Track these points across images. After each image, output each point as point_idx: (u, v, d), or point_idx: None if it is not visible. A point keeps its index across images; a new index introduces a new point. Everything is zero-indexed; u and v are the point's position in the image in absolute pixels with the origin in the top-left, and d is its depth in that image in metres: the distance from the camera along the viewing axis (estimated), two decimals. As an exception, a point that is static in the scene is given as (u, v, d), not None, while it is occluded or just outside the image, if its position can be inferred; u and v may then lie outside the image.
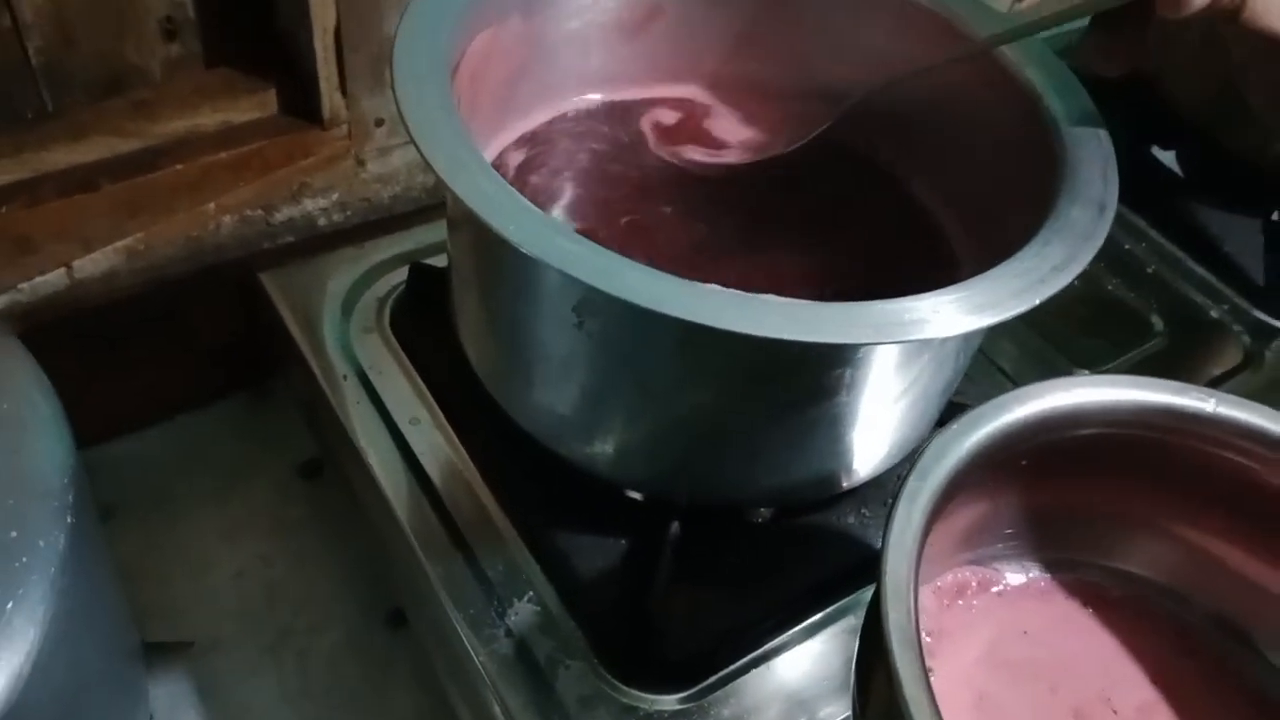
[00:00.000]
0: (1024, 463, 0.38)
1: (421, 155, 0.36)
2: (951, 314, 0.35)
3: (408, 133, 0.36)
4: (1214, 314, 0.61)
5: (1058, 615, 0.42)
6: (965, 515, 0.39)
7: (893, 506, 0.33)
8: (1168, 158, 0.70)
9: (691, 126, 0.53)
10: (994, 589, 0.42)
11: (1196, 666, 0.41)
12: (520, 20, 0.46)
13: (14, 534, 0.32)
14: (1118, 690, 0.40)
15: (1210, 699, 0.40)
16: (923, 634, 0.38)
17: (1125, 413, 0.38)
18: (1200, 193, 0.67)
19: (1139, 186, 0.65)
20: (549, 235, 0.34)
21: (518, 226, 0.34)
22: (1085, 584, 0.43)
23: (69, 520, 0.34)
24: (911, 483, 0.34)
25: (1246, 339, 0.60)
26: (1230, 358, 0.59)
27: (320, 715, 0.50)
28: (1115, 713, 0.39)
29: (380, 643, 0.53)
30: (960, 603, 0.41)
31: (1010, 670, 0.39)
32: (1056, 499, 0.41)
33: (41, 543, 0.33)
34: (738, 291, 0.34)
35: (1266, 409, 0.38)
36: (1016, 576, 0.43)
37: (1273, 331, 0.60)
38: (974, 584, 0.42)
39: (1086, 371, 0.57)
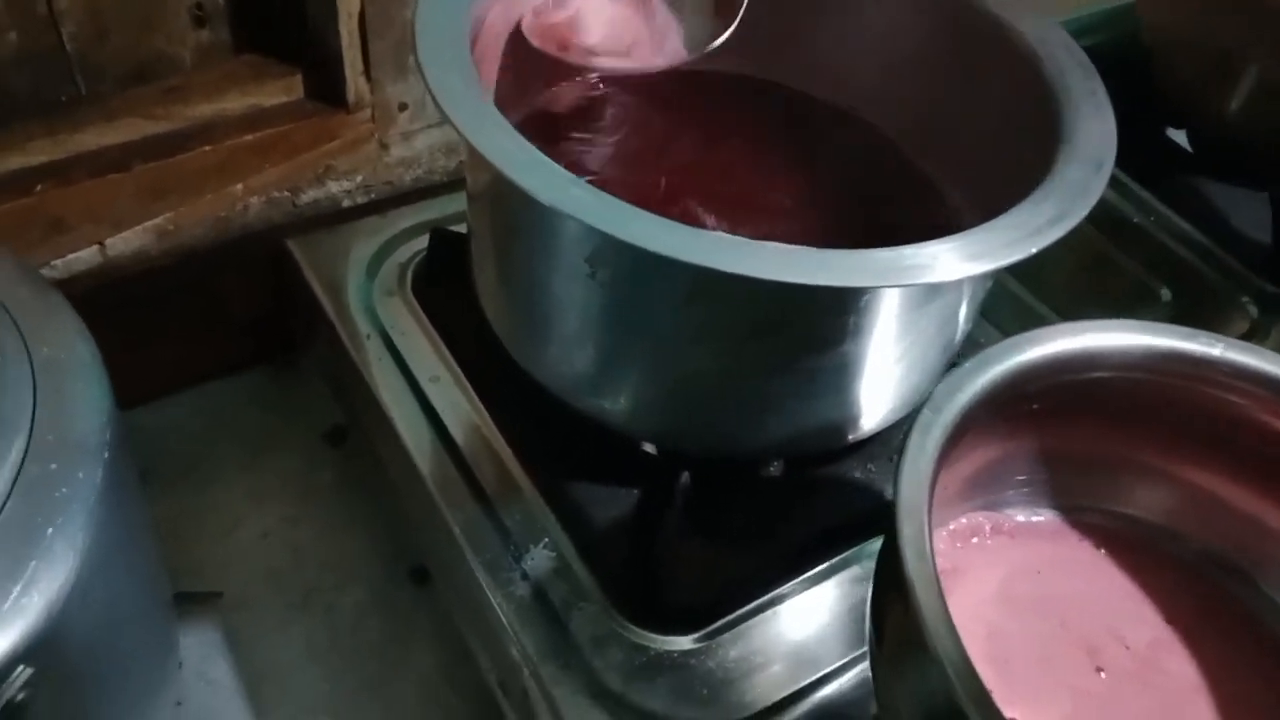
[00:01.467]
0: (1035, 406, 0.39)
1: (442, 112, 0.37)
2: (949, 261, 0.36)
3: (428, 90, 0.38)
4: (1221, 285, 0.61)
5: (1069, 555, 0.43)
6: (976, 460, 0.40)
7: (906, 437, 0.34)
8: (1180, 136, 0.71)
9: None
10: (1005, 530, 0.43)
11: (1203, 606, 0.42)
12: (533, -7, 0.48)
13: (54, 466, 0.34)
14: (1129, 627, 0.40)
15: (1216, 634, 0.41)
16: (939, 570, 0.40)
17: (1134, 356, 0.39)
18: (1209, 169, 0.68)
19: (1151, 163, 0.66)
20: (563, 185, 0.36)
21: (533, 177, 0.36)
22: (1095, 526, 0.43)
23: (105, 455, 0.35)
24: (925, 414, 0.35)
25: (1253, 309, 0.60)
26: (1237, 327, 0.59)
27: (345, 668, 0.52)
28: (1127, 648, 0.40)
29: (403, 599, 0.54)
30: (975, 541, 0.42)
31: (1022, 606, 0.40)
32: (1066, 443, 0.42)
33: (81, 474, 0.34)
34: (743, 238, 0.36)
35: (1272, 354, 0.39)
36: (1028, 517, 0.43)
37: (1279, 301, 0.61)
38: (987, 527, 0.42)
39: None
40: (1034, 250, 0.37)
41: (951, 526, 0.42)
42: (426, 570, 0.54)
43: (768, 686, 0.42)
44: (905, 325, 0.41)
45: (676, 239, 0.35)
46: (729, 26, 0.49)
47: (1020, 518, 0.43)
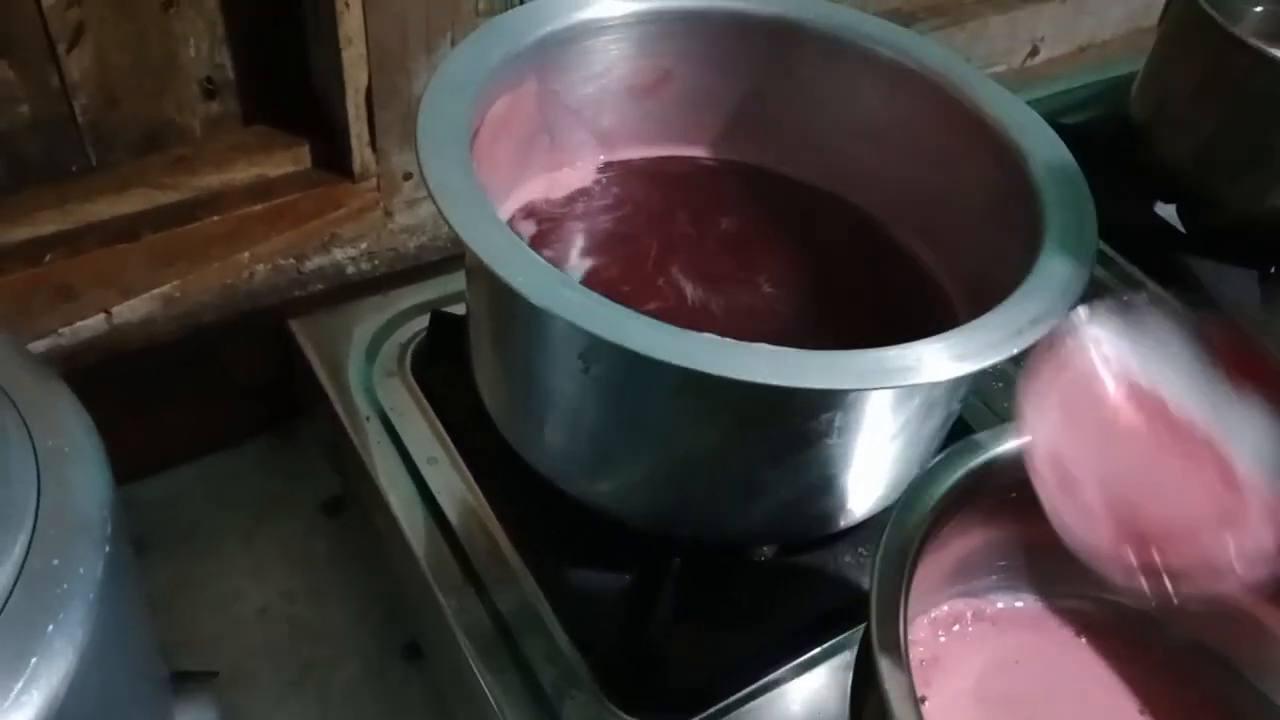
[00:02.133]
0: (1013, 495, 0.39)
1: (440, 211, 0.38)
2: (933, 362, 0.37)
3: (428, 190, 0.39)
4: (1211, 364, 0.62)
5: (1049, 644, 0.43)
6: (957, 548, 0.40)
7: (882, 536, 0.35)
8: (1169, 212, 0.72)
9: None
10: (986, 619, 0.43)
11: (1185, 693, 0.42)
12: (536, 85, 0.49)
13: (55, 561, 0.34)
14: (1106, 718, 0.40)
15: None
16: (917, 662, 0.40)
17: None
18: (1199, 246, 0.69)
19: (1140, 240, 0.67)
20: (556, 287, 0.37)
21: (527, 279, 0.37)
22: (1076, 612, 0.43)
23: (106, 550, 0.35)
24: (899, 514, 0.35)
25: (1242, 387, 0.61)
26: (1226, 406, 0.60)
27: (338, 746, 0.52)
28: None
29: (396, 675, 0.54)
30: (955, 629, 0.42)
31: (999, 702, 0.40)
32: (1046, 530, 0.41)
33: (81, 570, 0.34)
34: (730, 340, 0.37)
35: None
36: (1009, 605, 0.44)
37: (1269, 381, 0.61)
38: (968, 615, 0.43)
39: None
40: (1015, 351, 0.38)
41: (933, 614, 0.42)
42: (419, 646, 0.54)
43: (760, 774, 0.43)
44: (893, 419, 0.42)
45: (666, 341, 0.36)
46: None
47: (1001, 604, 0.43)
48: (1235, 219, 0.67)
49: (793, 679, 0.45)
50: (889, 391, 0.39)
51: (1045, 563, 0.43)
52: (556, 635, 0.45)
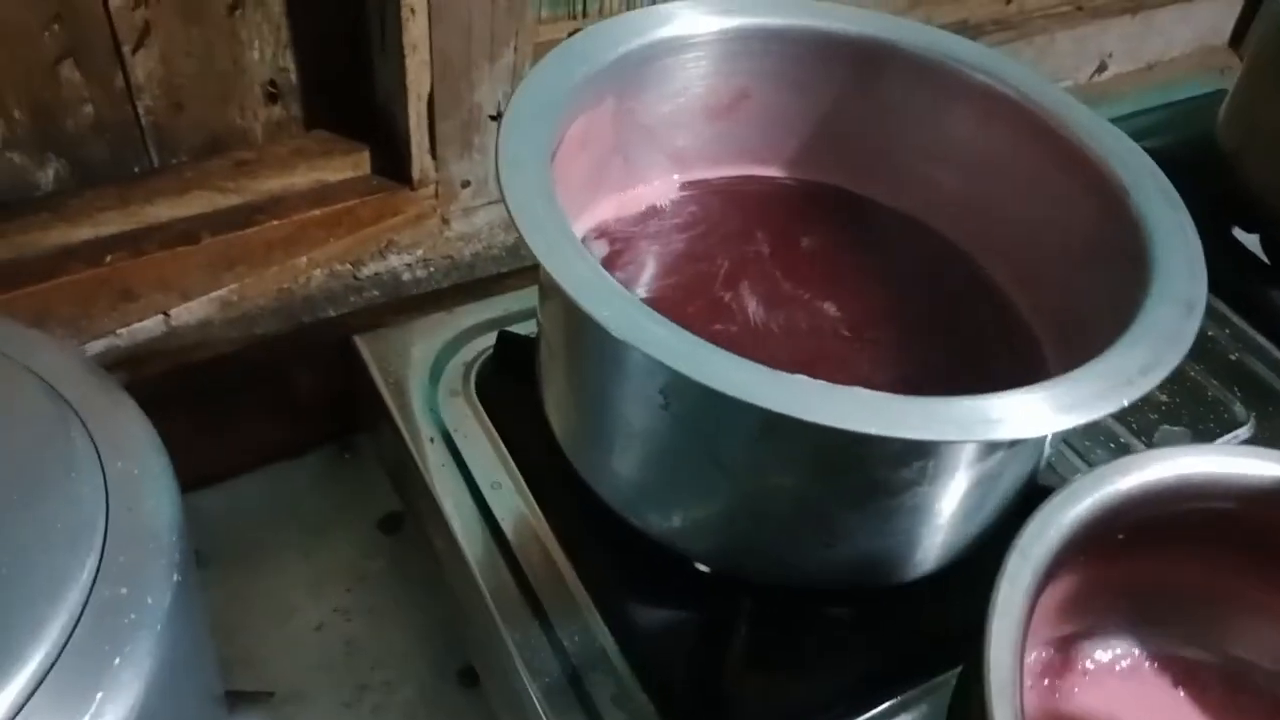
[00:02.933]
0: (1120, 537, 0.37)
1: (522, 237, 0.37)
2: (1035, 414, 0.35)
3: (510, 216, 0.38)
4: (1300, 402, 0.60)
5: (1145, 697, 0.40)
6: (1061, 590, 0.38)
7: (995, 589, 0.32)
8: (1251, 240, 0.69)
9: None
10: (1080, 666, 0.41)
11: None
12: (615, 103, 0.48)
13: (124, 590, 0.34)
14: None
15: None
16: None
17: (1232, 486, 0.37)
18: (1285, 278, 0.67)
19: (1221, 270, 0.64)
20: (640, 320, 0.36)
21: (610, 311, 0.36)
22: (1176, 661, 0.41)
23: (175, 579, 0.35)
24: (1013, 562, 0.33)
25: (1332, 428, 0.59)
26: (1314, 447, 0.58)
27: (393, 770, 0.51)
28: None
29: (452, 701, 0.54)
30: (1046, 682, 0.40)
31: None
32: (1152, 574, 0.40)
33: (150, 600, 0.34)
34: (822, 382, 0.35)
35: None
36: (1106, 652, 0.41)
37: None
38: (1058, 664, 0.41)
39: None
40: (1125, 403, 0.36)
41: (1028, 658, 0.40)
42: (475, 671, 0.53)
43: (830, 827, 0.41)
44: (984, 469, 0.40)
45: (754, 382, 0.34)
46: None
47: (1097, 649, 0.41)
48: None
49: (864, 729, 0.44)
50: (986, 444, 0.38)
51: (1144, 606, 0.41)
52: (624, 675, 0.44)
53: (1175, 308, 0.40)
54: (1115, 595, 0.40)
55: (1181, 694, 0.41)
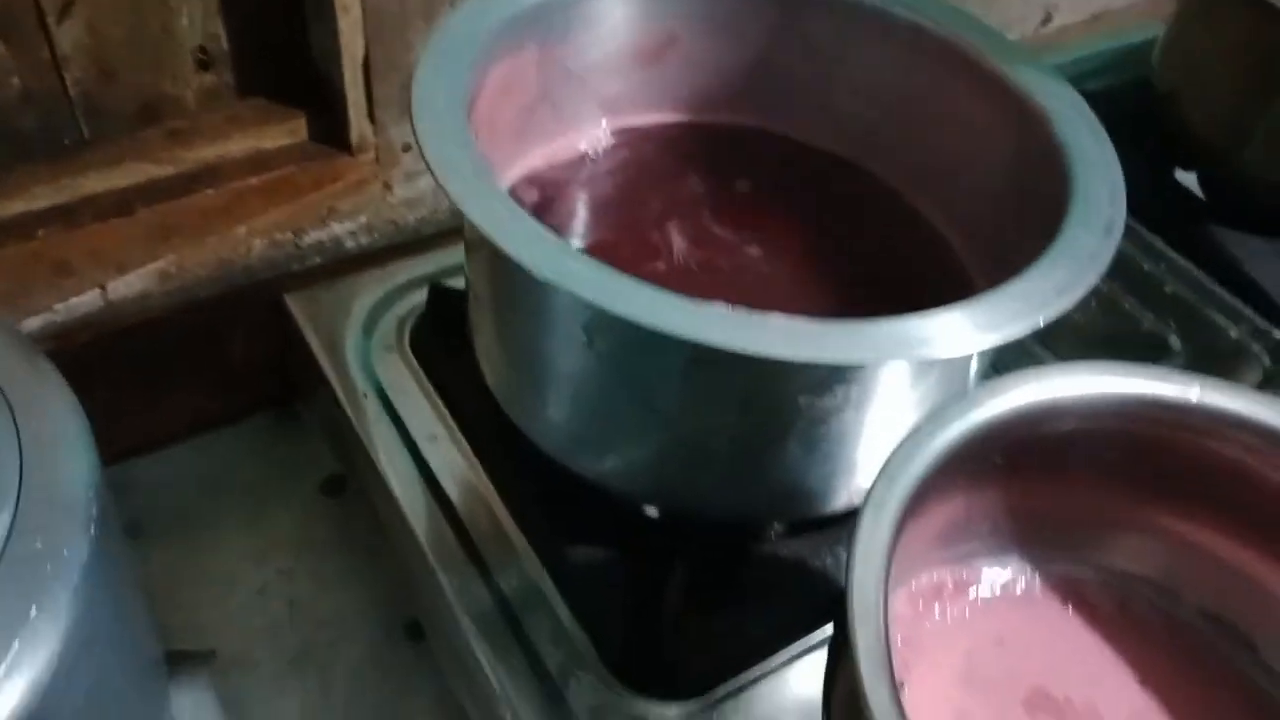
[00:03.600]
0: (998, 460, 0.37)
1: (438, 183, 0.37)
2: (953, 334, 0.35)
3: (424, 160, 0.38)
4: (1234, 334, 0.60)
5: (1037, 617, 0.40)
6: (941, 514, 0.37)
7: (859, 516, 0.32)
8: (1189, 180, 0.70)
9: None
10: (970, 591, 0.40)
11: (1189, 667, 0.39)
12: (536, 50, 0.48)
13: (39, 544, 0.33)
14: (1104, 697, 0.38)
15: (1205, 702, 0.38)
16: (897, 643, 0.37)
17: (1103, 405, 0.37)
18: (1221, 215, 0.67)
19: (1159, 209, 0.66)
20: (560, 258, 0.36)
21: (530, 251, 0.35)
22: (1068, 582, 0.41)
23: (92, 532, 0.35)
24: (879, 489, 0.32)
25: (1266, 359, 0.59)
26: (1249, 378, 0.58)
27: (341, 728, 0.51)
28: None
29: (400, 657, 0.54)
30: (936, 608, 0.40)
31: (987, 686, 0.38)
32: (1036, 495, 0.39)
33: (66, 552, 0.34)
34: (741, 310, 0.35)
35: (1255, 393, 0.36)
36: (995, 574, 0.41)
37: (1294, 352, 0.60)
38: (950, 585, 0.40)
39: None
40: (1042, 322, 0.36)
41: (913, 586, 0.40)
42: (420, 626, 0.53)
43: (772, 757, 0.41)
44: (909, 392, 0.40)
45: (673, 313, 0.34)
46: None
47: (986, 571, 0.41)
48: (1259, 188, 0.66)
49: (805, 658, 0.44)
50: (905, 364, 0.38)
51: (1033, 528, 0.40)
52: (561, 615, 0.44)
53: (1094, 231, 0.40)
54: (1002, 518, 0.40)
55: (1072, 612, 0.40)
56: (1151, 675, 0.39)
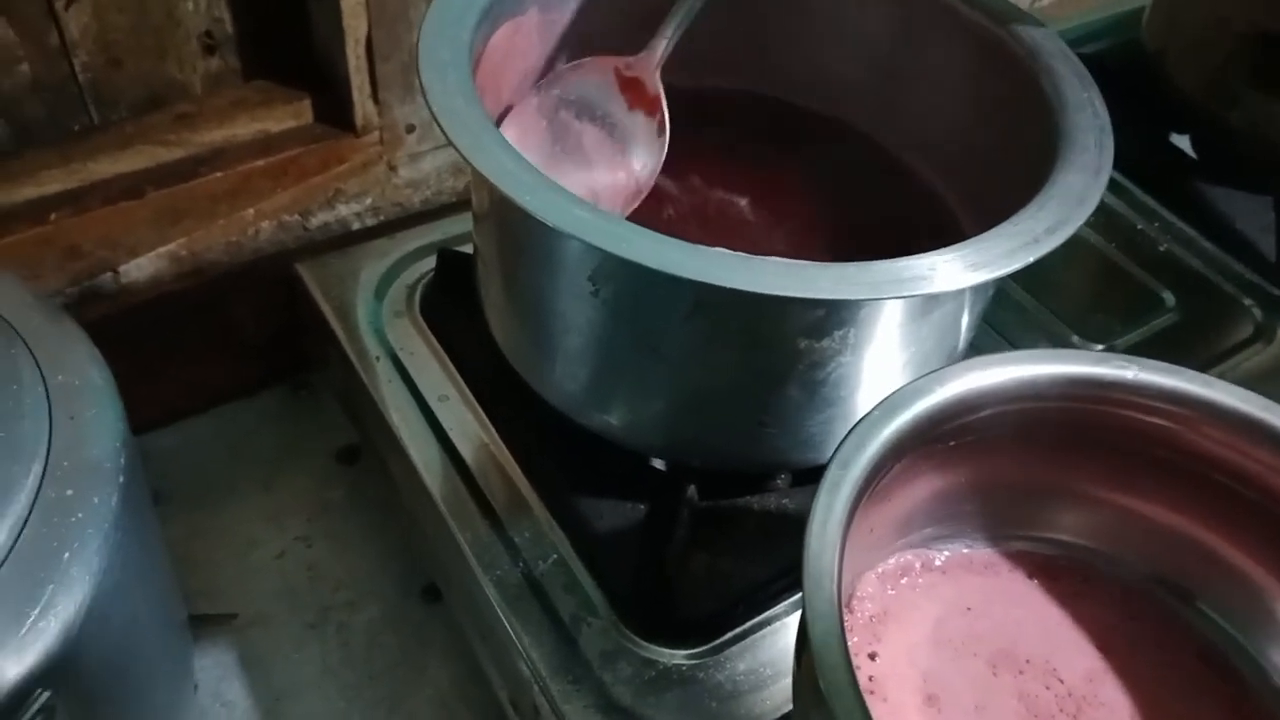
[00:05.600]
0: (951, 443, 0.38)
1: (444, 134, 0.38)
2: (946, 272, 0.36)
3: (432, 114, 0.39)
4: (1225, 289, 0.61)
5: (1000, 588, 0.42)
6: (902, 500, 0.39)
7: (815, 499, 0.33)
8: (1184, 142, 0.71)
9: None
10: (937, 568, 0.42)
11: (1141, 629, 0.41)
12: (538, 13, 0.49)
13: (70, 492, 0.35)
14: (1063, 660, 0.40)
15: (1157, 660, 0.40)
16: (867, 617, 0.39)
17: (1046, 386, 0.38)
18: (1213, 174, 0.68)
19: (1154, 169, 0.67)
20: (565, 205, 0.36)
21: (535, 197, 0.36)
22: (1028, 555, 0.43)
23: (120, 480, 0.36)
24: (833, 472, 0.34)
25: (1258, 312, 0.60)
26: (1241, 331, 0.59)
27: (360, 685, 0.52)
28: (1061, 681, 0.39)
29: (416, 617, 0.55)
30: (905, 581, 0.41)
31: (953, 648, 0.39)
32: (990, 475, 0.41)
33: (96, 500, 0.35)
34: (741, 253, 0.36)
35: (1186, 371, 0.39)
36: (960, 552, 0.42)
37: (1284, 305, 0.61)
38: (917, 565, 0.42)
39: (1099, 346, 0.58)
40: (1031, 259, 0.37)
41: (880, 569, 0.41)
42: (437, 588, 0.54)
43: (777, 699, 0.42)
44: (907, 335, 0.41)
45: (677, 255, 0.35)
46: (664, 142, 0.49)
47: (949, 552, 0.42)
48: (1248, 146, 0.67)
49: (809, 606, 0.45)
50: (906, 304, 0.39)
51: (993, 508, 0.42)
52: (573, 566, 0.45)
53: (1082, 174, 0.41)
54: (962, 499, 0.42)
55: (1034, 582, 0.42)
56: (1106, 638, 0.41)
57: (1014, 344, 0.56)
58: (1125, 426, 0.39)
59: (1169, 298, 0.61)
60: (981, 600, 0.41)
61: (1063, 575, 0.42)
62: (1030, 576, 0.42)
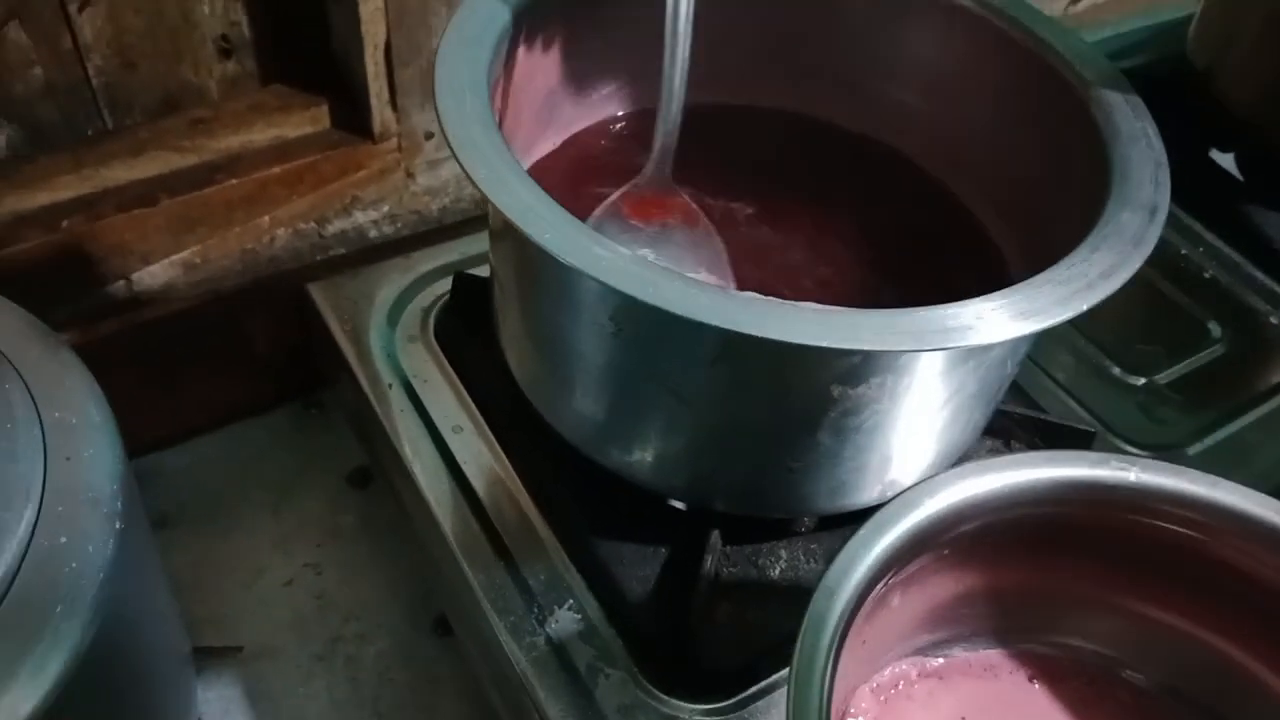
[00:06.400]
0: (946, 552, 0.37)
1: (462, 167, 0.36)
2: (993, 321, 0.34)
3: (448, 145, 0.37)
4: (1274, 319, 0.59)
5: (999, 693, 0.40)
6: (898, 611, 0.37)
7: (800, 634, 0.32)
8: (1226, 160, 0.68)
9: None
10: (936, 674, 0.40)
11: None
12: (560, 31, 0.47)
13: (64, 539, 0.33)
14: None
15: None
16: None
17: (1044, 492, 0.37)
18: (1260, 196, 0.65)
19: (1196, 189, 0.64)
20: (586, 244, 0.35)
21: (555, 235, 0.35)
22: (1033, 658, 0.40)
23: (118, 527, 0.34)
24: (819, 603, 0.32)
25: (1308, 345, 0.58)
26: (1290, 363, 0.57)
27: (368, 722, 0.51)
28: None
29: (427, 651, 0.53)
30: (897, 691, 0.39)
31: None
32: (990, 581, 0.39)
33: (90, 548, 0.33)
34: (774, 299, 0.34)
35: (1192, 472, 0.36)
36: (960, 657, 0.41)
37: (1335, 338, 0.59)
38: (913, 674, 0.40)
39: (1141, 380, 0.55)
40: (1085, 308, 0.35)
41: (874, 683, 0.39)
42: (448, 621, 0.53)
43: (802, 756, 0.41)
44: (946, 382, 0.39)
45: (703, 301, 0.33)
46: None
47: (945, 657, 0.40)
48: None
49: (836, 657, 0.43)
50: (946, 354, 0.37)
51: (994, 612, 0.40)
52: (590, 611, 0.44)
53: (1138, 213, 0.39)
54: (962, 606, 0.40)
55: (1038, 687, 0.40)
56: None
57: (1054, 377, 0.54)
58: (1130, 531, 0.37)
59: (1215, 328, 0.58)
60: (982, 708, 0.39)
61: (1068, 679, 0.40)
62: (1031, 680, 0.40)
